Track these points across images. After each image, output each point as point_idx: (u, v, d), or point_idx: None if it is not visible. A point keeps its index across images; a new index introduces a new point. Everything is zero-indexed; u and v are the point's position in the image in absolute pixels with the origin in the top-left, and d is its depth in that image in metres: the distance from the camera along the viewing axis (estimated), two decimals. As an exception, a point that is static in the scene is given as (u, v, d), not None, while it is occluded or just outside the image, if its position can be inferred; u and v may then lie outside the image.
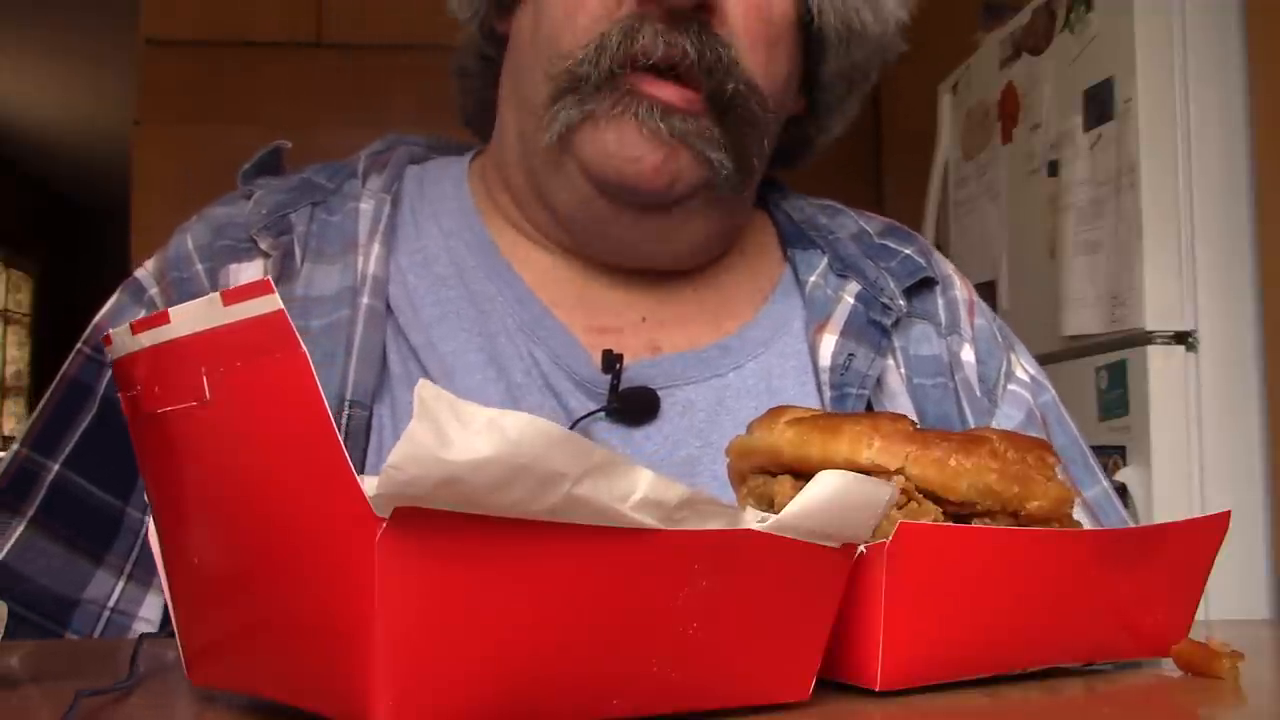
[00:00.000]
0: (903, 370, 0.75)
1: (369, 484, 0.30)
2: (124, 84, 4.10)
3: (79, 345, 0.71)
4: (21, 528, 0.66)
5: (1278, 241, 1.68)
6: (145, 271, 0.73)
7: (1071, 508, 0.48)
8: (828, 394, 0.72)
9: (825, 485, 0.38)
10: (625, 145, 0.67)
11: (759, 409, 0.55)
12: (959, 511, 0.45)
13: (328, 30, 2.90)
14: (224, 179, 0.82)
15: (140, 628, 0.65)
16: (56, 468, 0.67)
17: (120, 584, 0.66)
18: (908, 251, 0.80)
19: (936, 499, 0.45)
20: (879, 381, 0.73)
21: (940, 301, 0.80)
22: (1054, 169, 1.95)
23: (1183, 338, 1.71)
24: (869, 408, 0.72)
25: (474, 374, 0.69)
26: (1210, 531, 0.51)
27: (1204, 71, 1.74)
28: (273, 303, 0.31)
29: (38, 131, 6.21)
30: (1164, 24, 1.75)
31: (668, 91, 0.67)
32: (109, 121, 5.68)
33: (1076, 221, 1.85)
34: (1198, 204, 1.72)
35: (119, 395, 0.39)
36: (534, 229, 0.75)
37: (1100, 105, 1.82)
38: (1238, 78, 1.74)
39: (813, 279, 0.78)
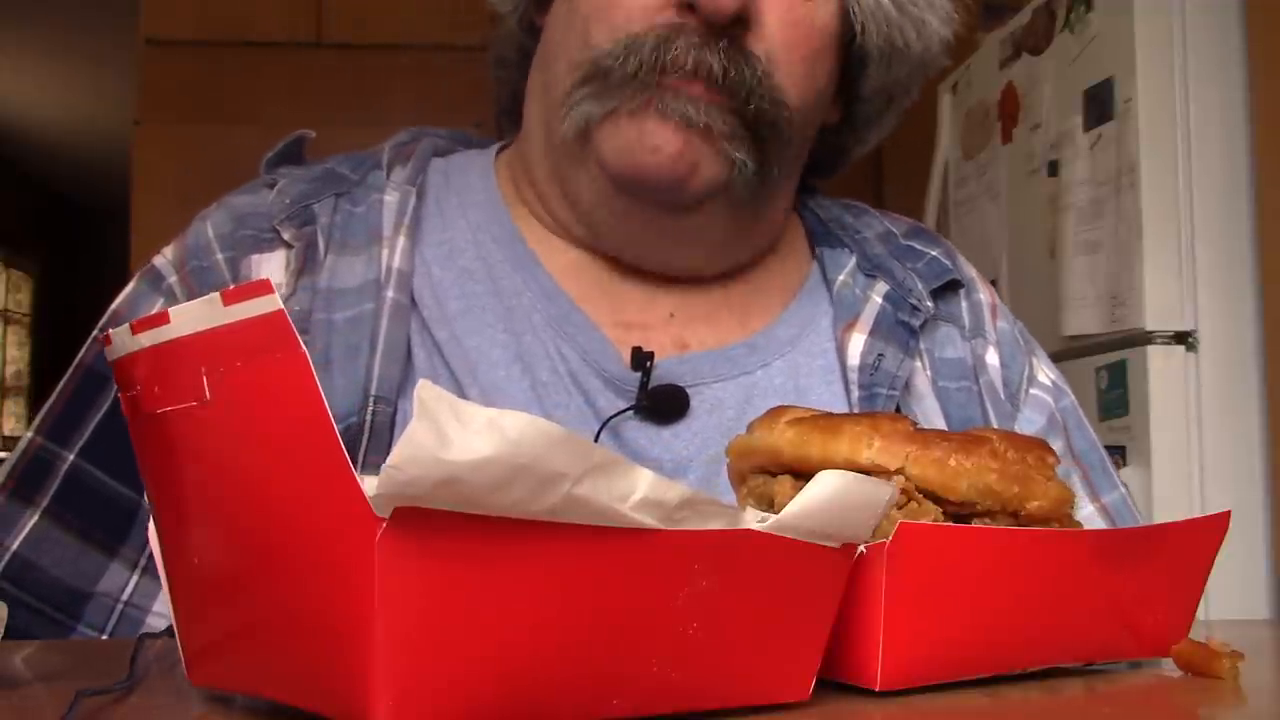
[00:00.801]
0: (929, 372, 0.75)
1: (369, 484, 0.30)
2: (124, 84, 4.10)
3: (95, 333, 0.70)
4: (35, 518, 0.65)
5: (1278, 241, 1.68)
6: (164, 259, 0.72)
7: (1072, 508, 0.48)
8: (856, 394, 0.71)
9: (825, 485, 0.38)
10: (646, 135, 0.66)
11: None
12: (959, 511, 0.45)
13: (328, 30, 2.90)
14: (224, 179, 0.82)
15: (154, 621, 0.64)
16: (71, 457, 0.66)
17: (134, 577, 0.65)
18: (934, 254, 0.80)
19: (936, 499, 0.45)
20: (906, 383, 0.73)
21: (964, 305, 0.80)
22: (1054, 169, 1.95)
23: (1183, 338, 1.71)
24: (897, 409, 0.71)
25: (498, 370, 0.69)
26: (1210, 531, 0.51)
27: (1204, 71, 1.74)
28: (273, 303, 0.31)
29: (38, 131, 6.20)
30: (1164, 24, 1.75)
31: (695, 88, 0.66)
32: (109, 121, 5.68)
33: (1076, 221, 1.85)
34: (1198, 204, 1.72)
35: (121, 395, 0.39)
36: (558, 224, 0.75)
37: (1100, 105, 1.82)
38: (1238, 78, 1.74)
39: (841, 278, 0.78)
